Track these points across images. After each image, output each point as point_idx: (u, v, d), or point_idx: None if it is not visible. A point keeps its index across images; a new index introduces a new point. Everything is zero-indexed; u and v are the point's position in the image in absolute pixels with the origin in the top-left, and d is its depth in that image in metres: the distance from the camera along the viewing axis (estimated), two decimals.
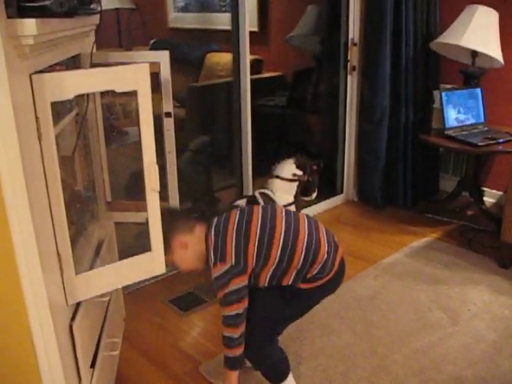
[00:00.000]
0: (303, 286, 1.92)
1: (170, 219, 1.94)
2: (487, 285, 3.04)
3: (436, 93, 3.87)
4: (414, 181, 4.01)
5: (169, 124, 2.24)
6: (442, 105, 3.66)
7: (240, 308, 1.88)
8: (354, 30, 3.83)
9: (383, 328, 2.65)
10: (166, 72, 2.16)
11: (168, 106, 2.21)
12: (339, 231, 3.71)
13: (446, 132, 3.63)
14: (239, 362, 1.98)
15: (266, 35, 5.05)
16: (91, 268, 1.93)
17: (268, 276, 1.90)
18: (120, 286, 2.17)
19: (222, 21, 5.03)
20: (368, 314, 2.77)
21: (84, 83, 1.64)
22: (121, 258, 1.96)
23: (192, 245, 1.92)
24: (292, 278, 1.90)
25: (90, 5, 2.22)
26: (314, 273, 1.90)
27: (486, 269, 3.21)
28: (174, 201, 2.39)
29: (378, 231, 3.72)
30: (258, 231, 1.86)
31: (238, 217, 1.92)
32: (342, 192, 4.16)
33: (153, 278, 3.10)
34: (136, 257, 1.93)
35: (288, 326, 2.17)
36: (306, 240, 1.88)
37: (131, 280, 1.92)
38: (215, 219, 1.94)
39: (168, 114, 2.22)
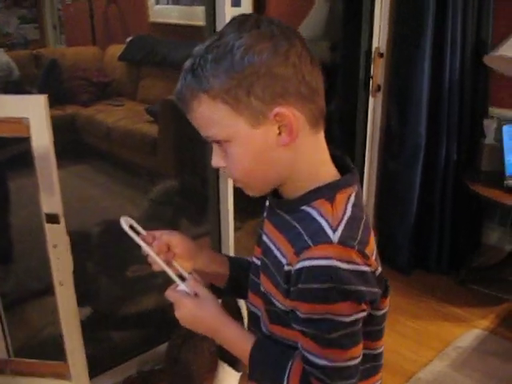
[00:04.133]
0: None
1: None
2: None
3: (488, 123, 2.69)
4: (453, 238, 2.84)
5: (56, 236, 1.07)
6: (501, 142, 2.49)
7: (357, 354, 0.84)
8: (380, 35, 2.62)
9: None
10: (42, 139, 0.99)
11: (51, 203, 1.04)
12: None
13: (506, 182, 2.47)
14: None
15: None
16: None
17: None
18: None
19: None
20: None
21: None
22: None
23: (300, 145, 0.84)
24: None
25: None
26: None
27: None
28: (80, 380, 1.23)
29: (407, 315, 2.53)
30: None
31: None
32: None
33: None
34: None
35: None
36: None
37: None
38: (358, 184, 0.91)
39: (52, 218, 1.05)
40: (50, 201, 1.04)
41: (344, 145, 2.90)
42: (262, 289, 0.92)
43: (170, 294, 0.93)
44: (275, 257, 0.87)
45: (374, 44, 2.61)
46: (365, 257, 0.81)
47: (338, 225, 0.81)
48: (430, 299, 2.66)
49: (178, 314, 0.93)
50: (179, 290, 0.93)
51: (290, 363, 0.86)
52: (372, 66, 2.65)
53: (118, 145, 3.83)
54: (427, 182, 2.71)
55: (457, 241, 2.85)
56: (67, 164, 2.93)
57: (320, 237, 0.80)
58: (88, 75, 4.66)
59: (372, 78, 2.66)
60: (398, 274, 2.83)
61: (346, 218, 0.82)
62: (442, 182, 2.71)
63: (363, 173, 2.83)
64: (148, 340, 2.28)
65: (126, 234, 0.94)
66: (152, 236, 0.96)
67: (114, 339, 2.34)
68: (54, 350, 1.91)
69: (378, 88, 2.68)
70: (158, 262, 0.94)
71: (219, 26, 2.00)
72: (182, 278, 0.95)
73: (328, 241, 0.79)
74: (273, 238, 0.91)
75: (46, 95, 0.98)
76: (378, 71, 2.64)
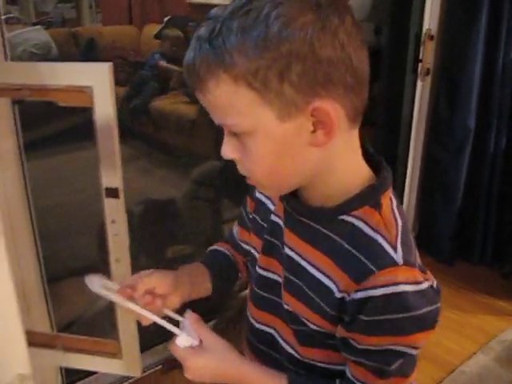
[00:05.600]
0: None
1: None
2: None
3: None
4: (498, 229, 2.75)
5: (115, 211, 1.04)
6: None
7: (414, 376, 0.76)
8: (431, 16, 2.52)
9: None
10: (105, 108, 0.95)
11: (112, 175, 1.00)
12: None
13: None
14: None
15: None
16: None
17: None
18: None
19: None
20: None
21: None
22: None
23: (334, 144, 0.68)
24: None
25: None
26: None
27: None
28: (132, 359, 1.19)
29: (449, 306, 2.47)
30: None
31: None
32: None
33: None
34: None
35: None
36: None
37: None
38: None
39: (111, 192, 1.02)
40: (111, 174, 0.99)
41: (388, 129, 2.82)
42: (289, 308, 0.79)
43: (174, 350, 0.78)
44: (315, 280, 0.73)
45: (425, 26, 2.51)
46: (424, 272, 0.71)
47: (396, 240, 0.69)
48: (472, 291, 2.57)
49: (189, 375, 0.78)
50: (183, 346, 0.78)
51: None
52: (421, 49, 2.55)
53: (156, 125, 3.80)
54: (474, 170, 2.61)
55: (502, 232, 2.76)
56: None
57: (383, 259, 0.67)
58: (124, 54, 4.63)
59: (421, 61, 2.56)
60: (440, 264, 2.75)
61: (399, 230, 0.70)
62: (490, 170, 2.61)
63: (407, 158, 2.74)
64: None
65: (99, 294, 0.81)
66: (129, 288, 0.82)
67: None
68: (95, 327, 1.91)
69: (427, 72, 2.58)
70: (149, 317, 0.80)
71: None
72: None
73: (393, 263, 0.67)
74: (304, 254, 0.75)
75: (111, 63, 0.94)
76: (428, 54, 2.54)
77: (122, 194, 1.01)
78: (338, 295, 0.70)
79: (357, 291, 0.67)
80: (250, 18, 0.61)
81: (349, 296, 0.68)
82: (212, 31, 0.63)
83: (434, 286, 0.72)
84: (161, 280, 0.84)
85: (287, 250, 0.78)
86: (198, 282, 0.93)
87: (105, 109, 0.95)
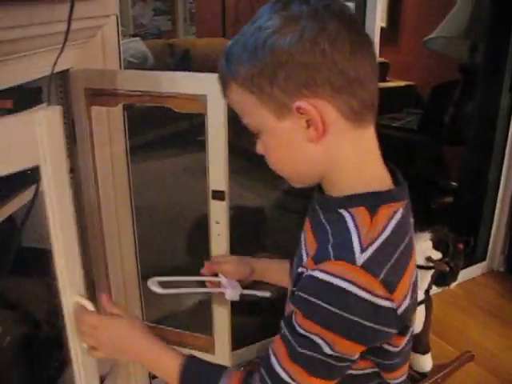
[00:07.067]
0: None
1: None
2: None
3: None
4: None
5: (220, 213, 1.10)
6: None
7: None
8: None
9: None
10: (218, 116, 1.01)
11: (219, 178, 1.07)
12: (475, 324, 2.42)
13: None
14: None
15: (395, 33, 3.75)
16: None
17: None
18: None
19: None
20: None
21: None
22: None
23: (333, 141, 0.73)
24: None
25: None
26: None
27: None
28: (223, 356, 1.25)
29: None
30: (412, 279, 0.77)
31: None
32: (484, 259, 2.82)
33: None
34: None
35: None
36: None
37: None
38: None
39: (218, 195, 1.08)
40: (218, 178, 1.06)
41: (480, 150, 2.75)
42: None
43: (84, 319, 0.85)
44: (300, 257, 0.81)
45: None
46: (389, 290, 0.68)
47: (370, 244, 0.69)
48: None
49: (102, 337, 0.86)
50: (231, 299, 0.94)
51: (227, 371, 0.82)
52: None
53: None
54: None
55: None
56: (195, 150, 3.01)
57: (344, 252, 0.69)
58: (217, 67, 4.79)
59: None
60: None
61: (381, 238, 0.70)
62: None
63: (499, 181, 2.66)
64: (268, 327, 2.30)
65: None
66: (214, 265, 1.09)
67: (238, 323, 2.39)
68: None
69: None
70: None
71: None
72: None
73: (351, 261, 0.68)
74: (305, 236, 0.83)
75: None
76: None
77: (227, 197, 1.08)
78: (300, 270, 0.75)
79: (313, 270, 0.70)
80: (248, 34, 0.71)
81: (306, 271, 0.72)
82: (229, 47, 0.74)
83: (399, 312, 0.70)
84: (234, 267, 1.09)
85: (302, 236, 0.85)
86: (271, 276, 1.10)
87: (217, 116, 1.01)
